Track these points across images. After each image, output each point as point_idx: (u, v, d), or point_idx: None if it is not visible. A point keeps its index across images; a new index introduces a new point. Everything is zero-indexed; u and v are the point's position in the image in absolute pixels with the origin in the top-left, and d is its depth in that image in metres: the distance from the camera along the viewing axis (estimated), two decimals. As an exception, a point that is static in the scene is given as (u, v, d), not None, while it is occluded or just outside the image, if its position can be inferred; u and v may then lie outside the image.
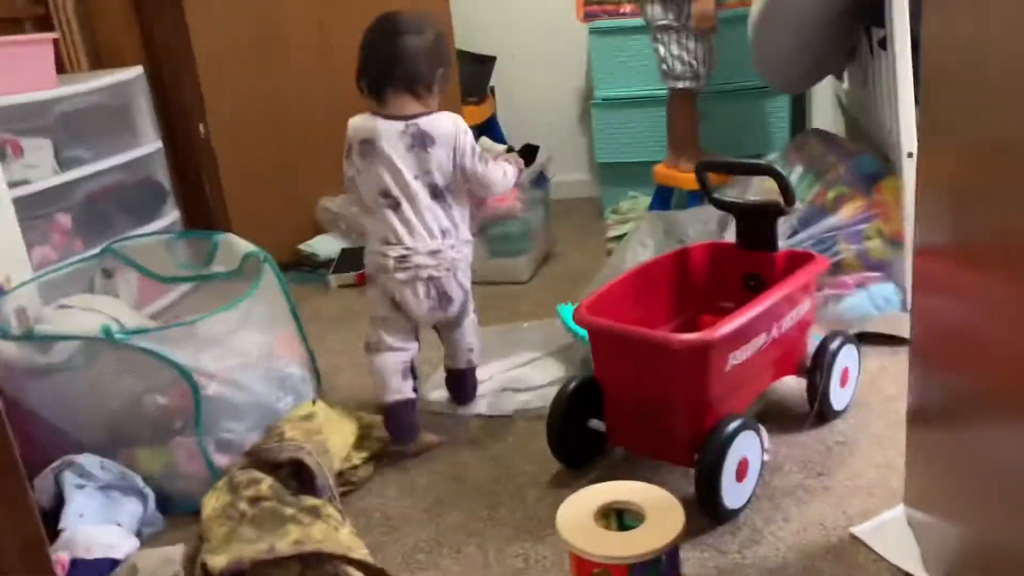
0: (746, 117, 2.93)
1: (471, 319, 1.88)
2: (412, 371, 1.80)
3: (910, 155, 1.87)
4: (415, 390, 1.81)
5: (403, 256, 1.69)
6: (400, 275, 1.69)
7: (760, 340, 1.54)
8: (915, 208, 1.29)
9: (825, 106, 2.95)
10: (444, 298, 1.74)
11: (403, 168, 1.67)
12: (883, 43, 1.92)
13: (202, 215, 2.95)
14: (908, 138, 1.87)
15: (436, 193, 1.70)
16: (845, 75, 2.55)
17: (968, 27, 1.01)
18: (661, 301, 1.80)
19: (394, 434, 1.78)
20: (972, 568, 1.13)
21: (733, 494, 1.45)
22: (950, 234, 1.14)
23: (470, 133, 1.72)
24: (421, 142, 1.67)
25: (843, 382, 1.74)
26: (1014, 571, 0.94)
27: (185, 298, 2.36)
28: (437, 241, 1.70)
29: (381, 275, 1.72)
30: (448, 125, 1.69)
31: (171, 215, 2.80)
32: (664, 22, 2.48)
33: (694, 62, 2.49)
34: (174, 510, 1.63)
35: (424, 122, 1.68)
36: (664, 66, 2.55)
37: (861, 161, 2.09)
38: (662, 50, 2.52)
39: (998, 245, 0.95)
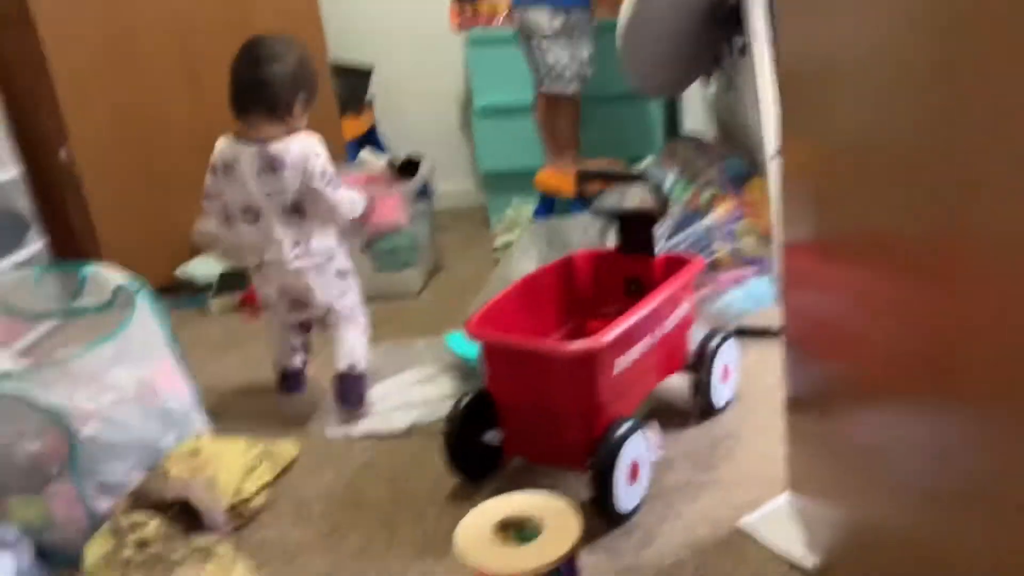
0: (622, 122, 3.00)
1: (351, 324, 1.97)
2: (304, 346, 2.05)
3: (774, 155, 1.96)
4: (305, 363, 2.06)
5: (259, 265, 1.91)
6: (258, 280, 1.94)
7: (644, 343, 1.59)
8: (781, 206, 1.35)
9: (696, 111, 3.05)
10: (298, 303, 1.93)
11: (256, 188, 1.84)
12: (744, 50, 2.01)
13: (69, 244, 2.80)
14: (771, 139, 1.96)
15: (287, 210, 1.85)
16: (712, 81, 2.65)
17: (817, 32, 1.06)
18: (549, 310, 1.82)
19: (283, 391, 2.04)
20: (852, 547, 1.19)
21: (627, 496, 1.49)
22: (813, 230, 1.20)
23: (322, 156, 1.85)
24: (271, 165, 1.82)
25: (724, 377, 1.81)
26: (888, 547, 1.01)
27: (55, 334, 2.24)
28: (287, 252, 1.86)
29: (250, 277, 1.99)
30: (297, 150, 1.82)
31: (34, 245, 2.65)
32: (553, 28, 2.51)
33: (582, 66, 2.54)
34: (55, 562, 1.54)
35: (275, 147, 1.82)
36: (553, 71, 2.56)
37: (730, 163, 2.18)
38: (550, 56, 2.54)
39: (856, 239, 1.01)
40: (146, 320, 1.75)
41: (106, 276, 1.81)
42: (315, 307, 1.93)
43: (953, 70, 0.69)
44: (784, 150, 1.32)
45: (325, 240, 1.90)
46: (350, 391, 1.95)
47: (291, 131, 1.83)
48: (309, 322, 2.00)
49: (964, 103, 0.68)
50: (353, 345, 1.96)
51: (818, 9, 1.05)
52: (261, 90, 1.80)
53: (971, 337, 0.71)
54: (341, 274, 1.95)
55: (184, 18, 2.85)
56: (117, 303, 1.78)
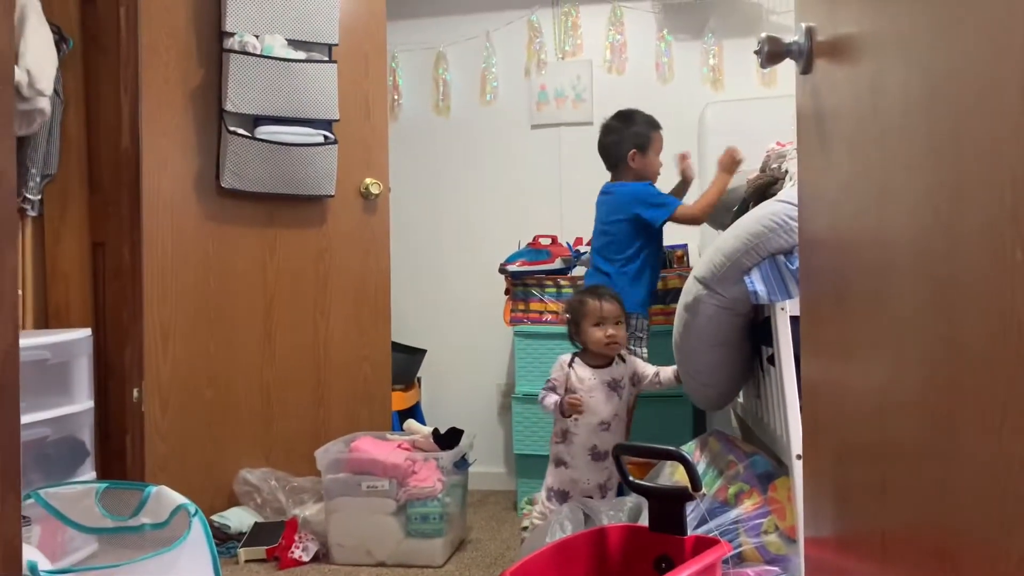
0: (655, 420, 3.19)
1: None
2: None
3: (799, 457, 2.10)
4: None
5: None
6: None
7: (673, 617, 1.63)
8: (803, 503, 1.46)
9: (723, 414, 3.24)
10: None
11: None
12: (772, 359, 2.23)
13: (118, 477, 2.92)
14: (796, 442, 2.11)
15: None
16: (741, 391, 2.86)
17: (832, 358, 1.25)
18: (578, 578, 1.87)
19: None
20: None
21: None
22: (832, 527, 1.30)
23: (555, 368, 2.66)
24: None
25: (750, 670, 1.80)
26: None
27: (109, 550, 2.28)
28: None
29: None
30: None
31: (88, 475, 2.77)
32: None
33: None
34: None
35: None
36: None
37: (756, 461, 2.31)
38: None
39: (871, 537, 1.11)
40: (197, 544, 1.83)
41: (168, 496, 1.93)
42: None
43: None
44: (805, 453, 1.46)
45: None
46: None
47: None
48: None
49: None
50: None
51: (832, 343, 1.24)
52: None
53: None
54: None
55: (269, 288, 3.21)
56: (173, 524, 1.88)
